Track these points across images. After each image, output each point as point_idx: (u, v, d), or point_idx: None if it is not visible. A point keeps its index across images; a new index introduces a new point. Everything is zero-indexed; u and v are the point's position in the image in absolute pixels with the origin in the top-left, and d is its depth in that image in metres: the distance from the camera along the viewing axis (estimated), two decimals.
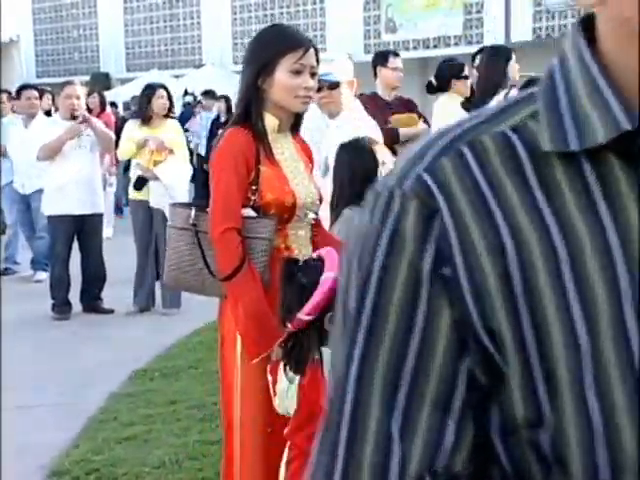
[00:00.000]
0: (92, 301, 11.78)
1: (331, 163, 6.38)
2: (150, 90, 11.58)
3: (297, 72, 4.34)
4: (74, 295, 11.75)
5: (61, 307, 11.56)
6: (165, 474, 6.47)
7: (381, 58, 9.69)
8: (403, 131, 8.93)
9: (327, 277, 3.83)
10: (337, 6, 37.81)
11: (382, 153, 5.51)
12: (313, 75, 4.44)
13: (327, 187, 6.04)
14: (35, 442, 6.86)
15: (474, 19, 34.75)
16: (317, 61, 4.41)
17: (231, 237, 4.18)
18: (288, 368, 3.99)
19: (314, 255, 4.08)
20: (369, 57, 10.40)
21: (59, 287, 11.61)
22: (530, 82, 9.03)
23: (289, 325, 3.95)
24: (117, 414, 7.85)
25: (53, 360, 9.41)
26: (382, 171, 5.14)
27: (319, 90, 7.02)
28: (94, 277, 11.82)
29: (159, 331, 10.66)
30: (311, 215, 4.57)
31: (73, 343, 10.33)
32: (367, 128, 6.65)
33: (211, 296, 4.60)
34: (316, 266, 3.92)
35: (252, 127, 4.32)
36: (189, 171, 12.20)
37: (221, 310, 4.52)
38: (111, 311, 11.66)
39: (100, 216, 11.86)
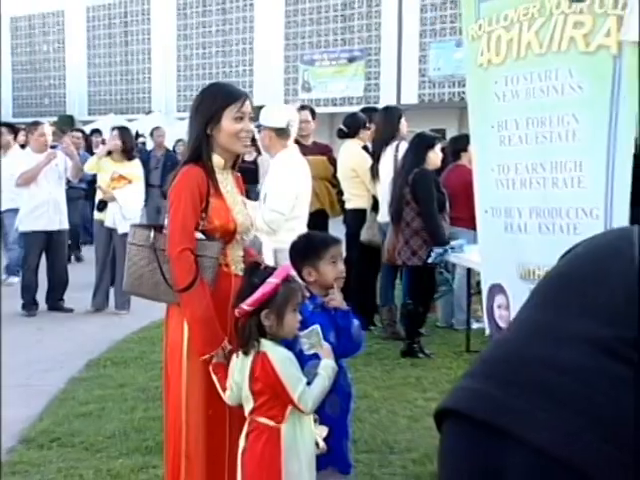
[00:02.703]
0: (56, 302, 11.84)
1: (266, 192, 6.48)
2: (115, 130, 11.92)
3: (239, 119, 4.40)
4: (40, 296, 11.79)
5: (29, 306, 11.59)
6: (115, 443, 6.47)
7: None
8: None
9: (270, 281, 3.93)
10: (263, 69, 38.23)
11: None
12: (251, 119, 4.51)
13: (258, 213, 6.14)
14: (7, 416, 6.81)
15: (372, 84, 35.34)
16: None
17: (187, 256, 4.22)
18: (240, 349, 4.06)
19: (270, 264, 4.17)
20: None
21: (28, 290, 11.66)
22: (417, 136, 9.20)
23: (237, 311, 4.03)
24: (75, 394, 7.85)
25: (22, 350, 9.39)
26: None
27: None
28: (58, 282, 11.91)
29: (111, 327, 10.71)
30: (245, 237, 4.60)
31: (39, 336, 10.30)
32: (299, 166, 6.75)
33: (163, 302, 4.57)
34: (268, 272, 4.01)
35: (203, 165, 4.36)
36: (142, 198, 12.25)
37: (168, 314, 4.53)
38: (71, 310, 11.71)
39: (65, 232, 11.96)
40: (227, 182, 4.51)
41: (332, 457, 4.40)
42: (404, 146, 9.26)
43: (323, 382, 3.95)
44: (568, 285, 2.63)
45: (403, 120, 9.81)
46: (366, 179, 9.81)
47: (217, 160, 4.44)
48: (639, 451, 2.36)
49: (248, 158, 21.11)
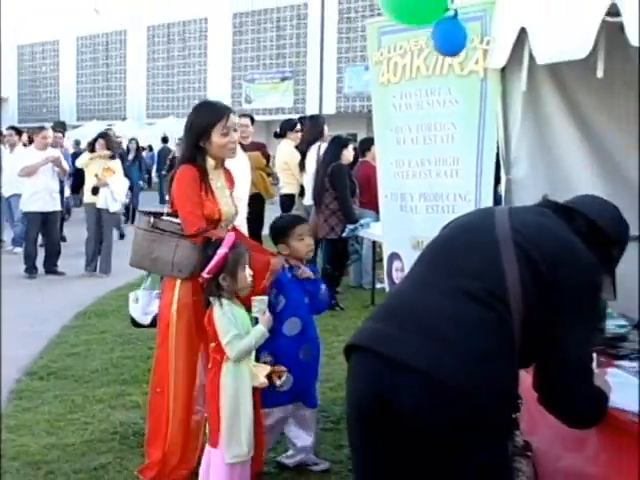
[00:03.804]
0: (51, 267, 11.71)
1: None
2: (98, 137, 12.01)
3: (225, 134, 4.30)
4: (39, 262, 11.67)
5: (30, 270, 11.45)
6: (98, 376, 6.48)
7: None
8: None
9: (219, 252, 3.89)
10: (215, 85, 37.98)
11: None
12: (234, 130, 4.39)
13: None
14: (14, 355, 6.81)
15: (300, 98, 35.37)
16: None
17: (201, 230, 4.16)
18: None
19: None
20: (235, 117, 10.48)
21: (29, 257, 11.54)
22: (334, 138, 9.21)
23: (199, 279, 4.01)
24: (67, 339, 7.82)
25: (25, 305, 9.34)
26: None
27: None
28: (53, 251, 11.82)
29: (95, 287, 10.62)
30: (229, 225, 4.46)
31: (38, 294, 10.22)
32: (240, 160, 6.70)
33: (159, 274, 4.49)
34: (218, 244, 3.95)
35: (197, 166, 4.26)
36: (126, 185, 12.24)
37: (164, 285, 4.45)
38: (63, 273, 11.60)
39: (57, 212, 11.88)
40: (218, 179, 4.40)
41: (303, 394, 4.47)
42: (325, 146, 9.27)
43: (250, 341, 3.88)
44: (448, 250, 2.68)
45: (325, 126, 9.84)
46: (295, 171, 9.81)
47: (210, 162, 4.35)
48: (501, 374, 2.43)
49: (179, 153, 20.97)
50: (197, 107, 4.53)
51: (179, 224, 4.27)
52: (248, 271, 3.97)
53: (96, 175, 11.46)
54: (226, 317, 3.88)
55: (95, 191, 11.45)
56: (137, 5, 41.14)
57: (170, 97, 41.85)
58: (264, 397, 4.26)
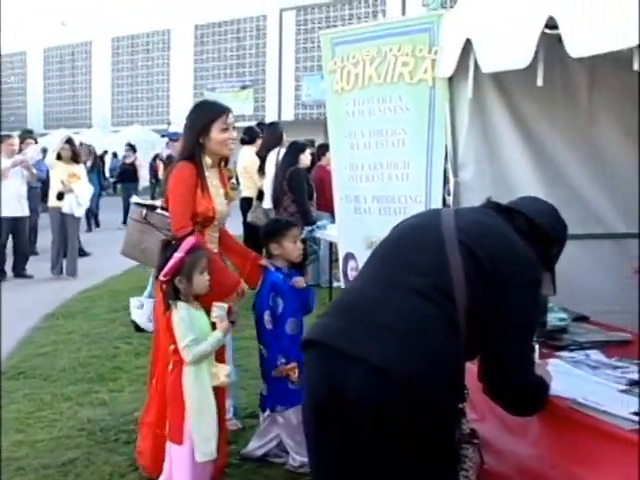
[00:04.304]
0: (20, 271, 11.55)
1: None
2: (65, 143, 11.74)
3: (224, 130, 4.24)
4: (8, 267, 11.54)
5: (0, 274, 11.29)
6: (66, 375, 6.43)
7: None
8: None
9: (176, 255, 3.80)
10: (178, 94, 37.85)
11: None
12: (233, 128, 4.35)
13: None
14: None
15: (260, 105, 35.37)
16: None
17: (187, 231, 4.05)
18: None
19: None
20: None
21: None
22: (292, 143, 9.22)
23: (157, 281, 3.95)
24: (36, 339, 7.76)
25: None
26: None
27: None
28: (22, 256, 11.64)
29: (63, 289, 10.53)
30: (222, 223, 4.43)
31: (7, 296, 10.02)
32: None
33: (148, 265, 4.44)
34: (176, 247, 3.86)
35: (195, 163, 4.18)
36: (90, 191, 12.12)
37: (156, 286, 4.27)
38: (31, 276, 11.45)
39: (26, 218, 11.64)
40: (214, 178, 4.32)
41: None
42: (283, 151, 9.28)
43: (206, 346, 3.79)
44: (397, 248, 2.71)
45: (284, 132, 9.85)
46: (254, 176, 9.80)
47: (207, 160, 4.26)
48: (448, 366, 2.46)
49: (128, 161, 20.86)
50: (196, 106, 4.49)
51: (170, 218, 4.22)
52: (206, 276, 3.89)
53: (62, 181, 11.33)
54: (184, 322, 3.80)
55: (60, 196, 11.34)
56: (102, 17, 40.83)
57: (134, 105, 41.62)
58: (281, 398, 4.30)
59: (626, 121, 4.89)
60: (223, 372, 3.91)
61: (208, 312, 3.91)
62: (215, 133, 4.22)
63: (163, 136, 7.94)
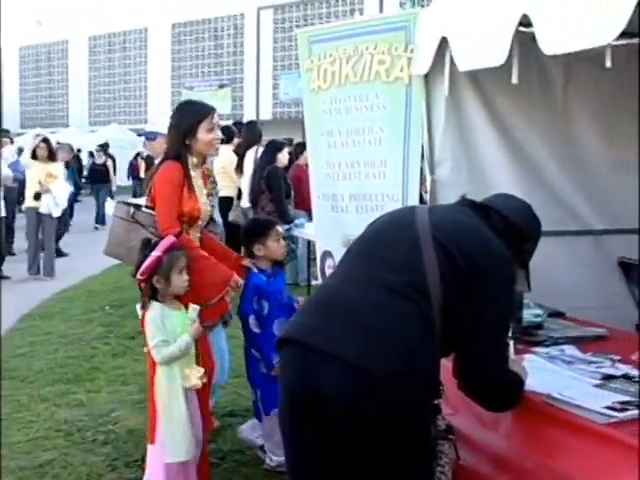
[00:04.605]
0: None
1: None
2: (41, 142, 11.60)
3: (211, 130, 4.22)
4: None
5: None
6: (43, 376, 6.39)
7: None
8: None
9: (153, 254, 3.77)
10: (155, 93, 37.70)
11: None
12: (218, 127, 4.34)
13: None
14: None
15: (237, 104, 35.30)
16: None
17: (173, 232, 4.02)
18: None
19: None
20: None
21: None
22: (270, 142, 9.22)
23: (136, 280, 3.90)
24: (13, 340, 7.69)
25: None
26: None
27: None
28: None
29: (40, 290, 10.46)
30: (203, 224, 4.40)
31: None
32: None
33: (133, 264, 4.39)
34: (155, 245, 3.83)
35: (182, 163, 4.15)
36: (68, 190, 12.00)
37: None
38: (8, 277, 11.27)
39: (3, 218, 11.42)
40: (198, 178, 4.28)
41: None
42: (261, 150, 9.28)
43: (174, 349, 3.75)
44: (372, 246, 2.72)
45: (261, 131, 9.86)
46: (233, 175, 9.79)
47: (192, 161, 4.23)
48: (423, 363, 2.47)
49: (99, 161, 20.73)
50: (181, 106, 4.46)
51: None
52: (185, 276, 3.86)
53: (39, 182, 11.23)
54: (154, 322, 3.78)
55: (37, 196, 11.24)
56: (78, 16, 40.62)
57: (111, 105, 41.46)
58: (270, 402, 4.22)
59: (601, 118, 4.94)
60: (196, 374, 3.86)
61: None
62: (202, 134, 4.20)
63: (140, 135, 7.90)
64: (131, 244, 4.23)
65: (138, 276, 3.81)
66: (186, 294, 3.93)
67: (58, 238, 12.74)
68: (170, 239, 3.88)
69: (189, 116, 4.25)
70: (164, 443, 3.80)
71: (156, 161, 7.20)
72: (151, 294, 3.83)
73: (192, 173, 4.21)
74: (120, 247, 4.31)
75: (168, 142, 4.35)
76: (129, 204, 4.44)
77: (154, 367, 3.87)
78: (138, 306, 4.04)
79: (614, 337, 3.54)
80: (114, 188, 21.14)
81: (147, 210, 4.29)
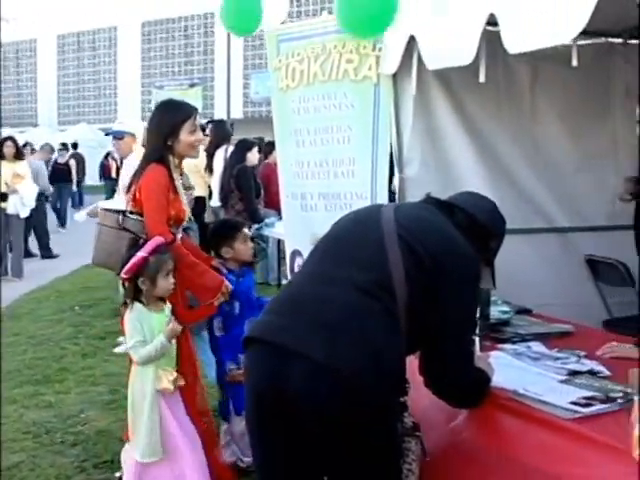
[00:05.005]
0: None
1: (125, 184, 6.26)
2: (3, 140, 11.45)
3: (193, 131, 4.12)
4: None
5: None
6: (12, 378, 6.32)
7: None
8: None
9: (139, 254, 3.71)
10: (126, 92, 37.49)
11: None
12: (201, 128, 4.25)
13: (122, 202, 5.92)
14: None
15: (208, 103, 35.12)
16: None
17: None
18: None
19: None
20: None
21: None
22: (240, 141, 9.21)
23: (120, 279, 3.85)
24: None
25: None
26: None
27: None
28: None
29: (8, 291, 10.23)
30: (186, 224, 4.35)
31: None
32: None
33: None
34: (142, 245, 3.78)
35: (165, 166, 4.04)
36: (35, 190, 11.76)
37: None
38: None
39: None
40: (178, 178, 4.18)
41: None
42: (231, 149, 9.25)
43: (150, 350, 3.71)
44: (338, 244, 2.72)
45: (231, 130, 9.83)
46: (205, 174, 9.76)
47: (173, 162, 4.13)
48: (389, 361, 2.48)
49: (61, 160, 20.56)
50: (162, 106, 4.32)
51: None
52: (171, 279, 3.80)
53: (6, 183, 11.07)
54: (132, 323, 3.75)
55: (4, 197, 11.08)
56: (47, 14, 40.31)
57: (81, 104, 41.21)
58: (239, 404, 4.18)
59: (568, 117, 5.00)
60: (168, 377, 3.81)
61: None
62: (184, 135, 4.09)
63: (107, 134, 7.84)
64: (121, 251, 4.13)
65: (122, 274, 3.76)
66: (171, 297, 3.89)
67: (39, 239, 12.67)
68: (157, 239, 3.82)
69: (171, 117, 4.14)
70: (134, 442, 3.80)
71: (125, 160, 7.19)
72: (133, 295, 3.78)
73: (174, 175, 4.13)
74: (111, 257, 4.13)
75: (148, 143, 4.26)
76: (116, 211, 4.33)
77: (131, 367, 3.86)
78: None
79: (580, 333, 3.58)
80: (74, 188, 20.96)
81: (134, 216, 4.14)
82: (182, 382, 3.87)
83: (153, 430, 3.77)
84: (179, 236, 4.23)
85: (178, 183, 4.17)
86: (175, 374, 3.84)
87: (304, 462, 2.52)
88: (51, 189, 14.80)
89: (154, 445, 3.77)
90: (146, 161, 4.13)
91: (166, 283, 3.79)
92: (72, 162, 20.91)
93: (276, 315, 2.59)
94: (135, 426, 3.80)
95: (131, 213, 4.16)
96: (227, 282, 4.17)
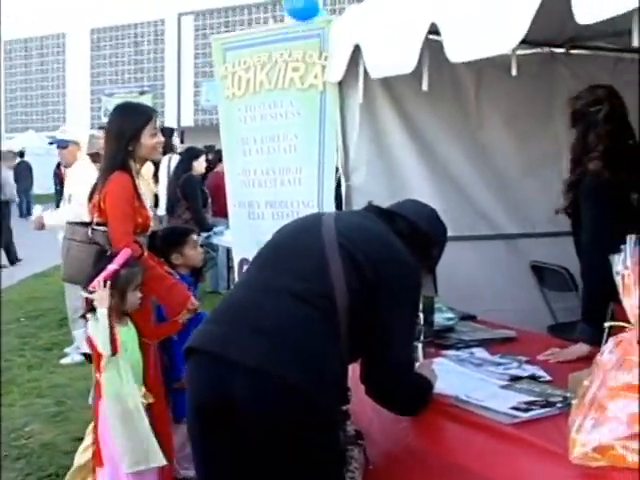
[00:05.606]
0: None
1: (72, 194, 6.22)
2: None
3: (154, 135, 4.03)
4: None
5: None
6: None
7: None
8: None
9: (110, 267, 3.59)
10: (74, 99, 37.18)
11: None
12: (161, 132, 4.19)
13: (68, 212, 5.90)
14: None
15: (159, 111, 34.47)
16: None
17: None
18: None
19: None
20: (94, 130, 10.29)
21: None
22: (187, 150, 9.19)
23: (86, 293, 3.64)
24: None
25: None
26: None
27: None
28: None
29: None
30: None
31: None
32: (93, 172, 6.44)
33: None
34: (111, 257, 3.68)
35: (128, 172, 3.93)
36: None
37: None
38: None
39: None
40: (141, 185, 4.09)
41: None
42: (175, 157, 9.22)
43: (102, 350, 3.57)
44: (278, 253, 2.73)
45: (176, 138, 9.78)
46: (151, 182, 9.71)
47: (135, 168, 4.03)
48: (331, 369, 2.49)
49: None
50: (120, 110, 4.19)
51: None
52: (138, 294, 3.72)
53: None
54: (104, 331, 3.53)
55: None
56: None
57: (29, 111, 40.67)
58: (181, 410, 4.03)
59: (512, 123, 5.06)
60: (137, 393, 3.69)
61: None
62: (145, 139, 4.00)
63: (51, 143, 7.75)
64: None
65: (90, 287, 3.57)
66: (137, 312, 3.81)
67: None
68: (127, 252, 3.70)
69: (132, 120, 4.03)
70: (123, 455, 3.58)
71: (68, 170, 7.07)
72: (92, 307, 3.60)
73: (137, 181, 4.03)
74: (83, 272, 4.00)
75: (108, 149, 4.08)
76: (83, 224, 4.22)
77: (99, 387, 3.69)
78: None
79: (523, 339, 3.63)
80: (16, 199, 20.70)
81: (101, 228, 4.02)
82: (151, 399, 3.75)
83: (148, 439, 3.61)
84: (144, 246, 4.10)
85: (142, 189, 4.09)
86: (143, 390, 3.74)
87: (247, 472, 2.52)
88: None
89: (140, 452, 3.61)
90: (109, 169, 3.99)
91: (134, 297, 3.72)
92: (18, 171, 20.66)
93: (216, 324, 2.59)
94: (118, 440, 3.59)
95: (97, 225, 4.05)
96: (193, 298, 4.10)
